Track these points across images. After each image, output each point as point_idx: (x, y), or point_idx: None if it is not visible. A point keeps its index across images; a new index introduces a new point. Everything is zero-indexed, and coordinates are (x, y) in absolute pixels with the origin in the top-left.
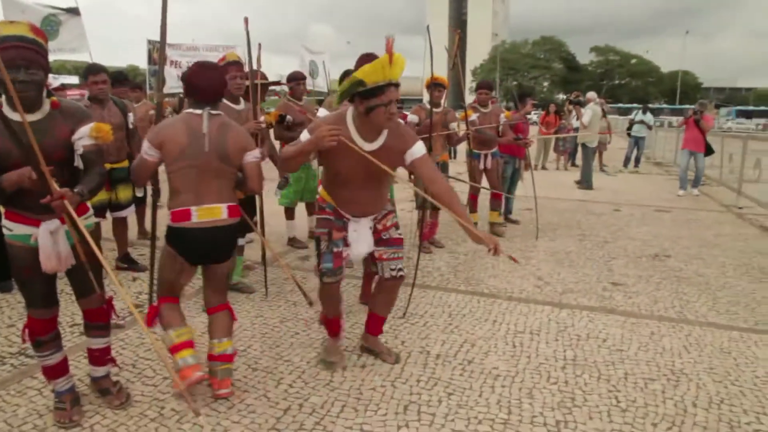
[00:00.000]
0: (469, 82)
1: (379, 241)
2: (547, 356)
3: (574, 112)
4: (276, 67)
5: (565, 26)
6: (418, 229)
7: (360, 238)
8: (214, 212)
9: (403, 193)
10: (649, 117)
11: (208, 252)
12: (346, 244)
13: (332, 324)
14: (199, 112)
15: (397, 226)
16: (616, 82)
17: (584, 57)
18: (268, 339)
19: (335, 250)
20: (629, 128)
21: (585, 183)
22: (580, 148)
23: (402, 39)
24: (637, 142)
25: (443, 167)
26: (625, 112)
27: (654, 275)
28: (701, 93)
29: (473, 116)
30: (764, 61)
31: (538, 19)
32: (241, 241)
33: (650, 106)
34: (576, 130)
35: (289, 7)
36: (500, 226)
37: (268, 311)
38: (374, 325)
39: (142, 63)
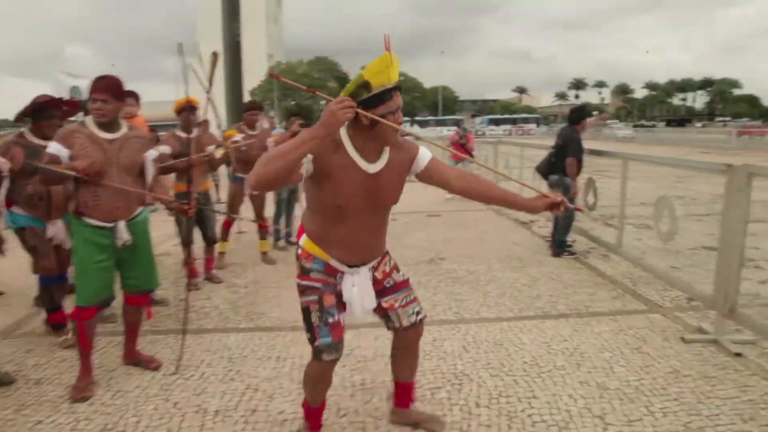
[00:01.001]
0: None
1: (383, 291)
2: (334, 386)
3: None
4: (26, 93)
5: (336, 47)
6: (184, 268)
7: (363, 293)
8: None
9: (169, 227)
10: (416, 129)
11: None
12: (342, 309)
13: (316, 415)
14: None
15: (397, 269)
16: None
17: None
18: None
19: (331, 320)
20: None
21: None
22: None
23: (171, 61)
24: None
25: (205, 197)
26: None
27: (431, 279)
28: (458, 105)
29: (237, 137)
30: (504, 76)
31: (311, 41)
32: None
33: (417, 118)
34: None
35: (37, 26)
36: (271, 256)
37: None
38: (405, 395)
39: None
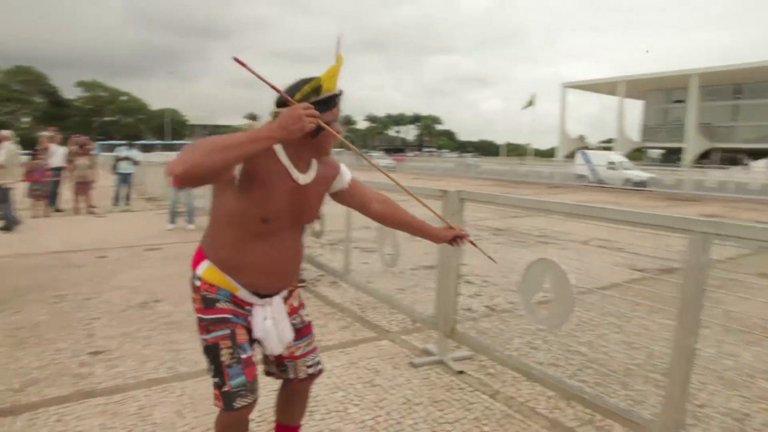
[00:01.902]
0: None
1: None
2: None
3: (51, 150)
4: None
5: (44, 57)
6: None
7: (279, 326)
8: None
9: None
10: (134, 153)
11: None
12: (252, 346)
13: None
14: None
15: (304, 306)
16: (107, 118)
17: (71, 92)
18: None
19: (243, 356)
20: (115, 165)
21: (8, 225)
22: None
23: None
24: (126, 179)
25: None
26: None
27: (142, 328)
28: (188, 129)
29: None
30: (235, 102)
31: (13, 47)
32: None
33: (138, 142)
34: (53, 171)
35: None
36: None
37: None
38: None
39: None
